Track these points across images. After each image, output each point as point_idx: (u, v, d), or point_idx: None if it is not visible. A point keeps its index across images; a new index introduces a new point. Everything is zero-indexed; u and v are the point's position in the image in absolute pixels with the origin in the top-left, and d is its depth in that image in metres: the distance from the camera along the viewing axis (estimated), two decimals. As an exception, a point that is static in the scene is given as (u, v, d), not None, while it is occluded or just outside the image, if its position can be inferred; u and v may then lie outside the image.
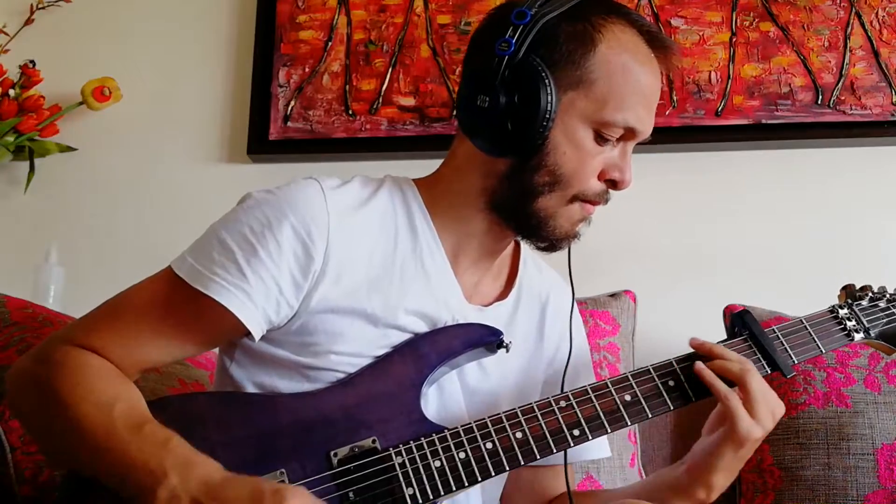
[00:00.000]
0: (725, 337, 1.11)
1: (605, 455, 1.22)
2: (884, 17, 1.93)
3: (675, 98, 1.94)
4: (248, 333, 0.99)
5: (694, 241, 1.89)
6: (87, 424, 0.91)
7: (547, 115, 0.99)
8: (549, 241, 1.07)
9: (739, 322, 1.10)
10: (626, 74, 1.02)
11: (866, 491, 1.43)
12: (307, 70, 2.05)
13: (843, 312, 1.14)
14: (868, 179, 1.89)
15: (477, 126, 1.03)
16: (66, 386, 0.93)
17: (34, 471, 1.22)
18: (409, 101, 2.01)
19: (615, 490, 1.24)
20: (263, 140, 2.02)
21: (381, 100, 2.02)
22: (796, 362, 1.08)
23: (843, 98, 1.89)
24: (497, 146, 1.03)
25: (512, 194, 1.05)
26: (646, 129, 1.05)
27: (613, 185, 1.06)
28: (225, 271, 0.97)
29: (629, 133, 1.04)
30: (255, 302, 0.97)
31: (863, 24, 1.93)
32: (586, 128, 1.02)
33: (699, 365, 1.03)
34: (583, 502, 1.19)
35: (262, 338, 1.02)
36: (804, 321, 1.12)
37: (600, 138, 1.03)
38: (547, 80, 0.99)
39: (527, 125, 0.99)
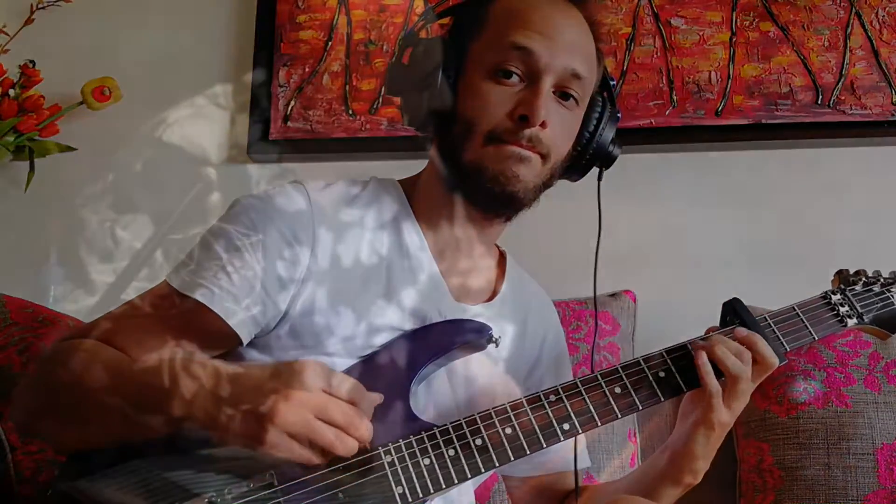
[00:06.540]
0: (718, 326, 1.11)
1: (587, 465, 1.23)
2: (884, 17, 1.93)
3: (675, 98, 1.93)
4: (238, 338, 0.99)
5: (694, 241, 1.89)
6: (98, 376, 0.92)
7: (438, 79, 1.05)
8: (491, 191, 1.05)
9: (731, 311, 1.10)
10: (512, 12, 1.06)
11: (866, 491, 1.43)
12: (307, 70, 2.05)
13: (835, 298, 1.14)
14: (868, 179, 1.88)
15: (403, 114, 1.11)
16: (75, 360, 0.95)
17: (34, 471, 1.22)
18: (410, 101, 2.01)
19: (612, 483, 1.24)
20: (263, 140, 2.02)
21: (381, 100, 2.01)
22: (788, 349, 1.08)
23: (843, 98, 1.89)
24: (414, 123, 1.10)
25: (447, 163, 1.07)
26: (540, 49, 1.04)
27: (525, 120, 1.03)
28: (212, 275, 0.98)
29: (529, 61, 1.04)
30: (240, 304, 0.98)
31: (863, 24, 1.93)
32: (482, 70, 1.05)
33: (702, 358, 1.03)
34: (585, 496, 1.20)
35: (251, 344, 1.02)
36: (796, 308, 1.12)
37: (499, 74, 1.04)
38: (436, 48, 1.06)
39: (431, 97, 1.05)
